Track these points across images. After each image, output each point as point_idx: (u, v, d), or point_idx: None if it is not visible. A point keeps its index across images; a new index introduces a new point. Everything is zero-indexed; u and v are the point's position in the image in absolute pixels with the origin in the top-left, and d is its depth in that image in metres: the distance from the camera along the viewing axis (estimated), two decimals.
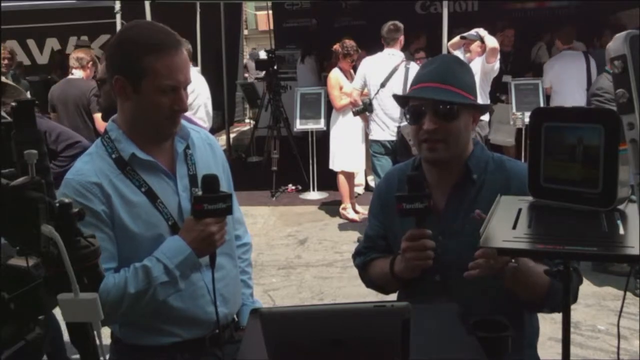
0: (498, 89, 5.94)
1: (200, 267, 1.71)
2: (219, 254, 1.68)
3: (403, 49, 6.16)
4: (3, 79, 2.91)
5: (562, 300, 1.33)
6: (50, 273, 0.99)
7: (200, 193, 1.62)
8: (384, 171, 5.62)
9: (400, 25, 5.84)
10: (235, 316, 1.93)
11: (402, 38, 5.93)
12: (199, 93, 5.62)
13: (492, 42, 5.54)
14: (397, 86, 5.61)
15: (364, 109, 5.87)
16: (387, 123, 5.73)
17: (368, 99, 5.84)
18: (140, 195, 1.69)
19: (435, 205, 1.68)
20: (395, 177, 1.94)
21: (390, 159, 5.71)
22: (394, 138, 5.63)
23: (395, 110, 5.53)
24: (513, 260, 1.56)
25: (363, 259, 1.95)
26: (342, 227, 6.39)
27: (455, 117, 1.72)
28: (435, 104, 1.71)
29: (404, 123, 5.31)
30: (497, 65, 5.68)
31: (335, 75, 6.57)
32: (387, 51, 5.88)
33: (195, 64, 7.04)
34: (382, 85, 5.72)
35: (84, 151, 1.81)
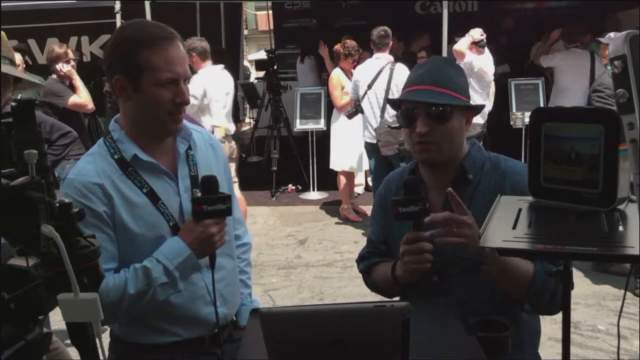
0: None
1: (200, 268, 1.71)
2: (219, 254, 1.68)
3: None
4: (19, 72, 2.92)
5: (562, 300, 1.33)
6: (50, 273, 0.99)
7: (199, 194, 1.62)
8: (373, 168, 5.96)
9: (389, 30, 5.96)
10: (233, 316, 1.93)
11: (391, 42, 6.05)
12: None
13: (457, 45, 5.73)
14: (381, 87, 5.76)
15: (356, 112, 6.03)
16: (371, 123, 5.85)
17: (358, 102, 5.97)
18: (141, 196, 1.69)
19: (432, 207, 1.69)
20: (394, 181, 1.95)
21: (375, 156, 5.86)
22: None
23: (378, 111, 5.79)
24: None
25: (366, 263, 1.97)
26: (342, 227, 6.39)
27: (448, 119, 1.72)
28: (428, 107, 1.71)
29: (380, 124, 5.61)
30: (477, 67, 5.75)
31: (337, 75, 6.59)
32: (375, 56, 5.99)
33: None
34: (369, 87, 5.84)
35: (75, 140, 1.82)
